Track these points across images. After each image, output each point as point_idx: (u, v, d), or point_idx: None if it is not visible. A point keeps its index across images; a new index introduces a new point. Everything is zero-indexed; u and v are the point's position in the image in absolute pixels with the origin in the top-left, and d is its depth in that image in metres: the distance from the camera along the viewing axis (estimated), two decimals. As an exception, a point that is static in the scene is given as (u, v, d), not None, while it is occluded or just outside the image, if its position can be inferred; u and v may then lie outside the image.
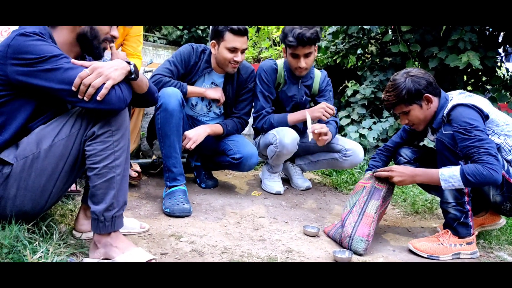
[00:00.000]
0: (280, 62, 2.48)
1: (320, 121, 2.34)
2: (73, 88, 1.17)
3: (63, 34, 1.33)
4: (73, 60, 1.21)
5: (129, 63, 1.28)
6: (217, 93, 2.24)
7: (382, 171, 1.79)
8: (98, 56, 1.41)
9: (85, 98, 1.18)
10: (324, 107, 2.30)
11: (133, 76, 1.28)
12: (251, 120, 2.52)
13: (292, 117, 2.39)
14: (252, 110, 2.45)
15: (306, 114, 2.26)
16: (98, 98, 1.18)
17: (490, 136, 1.66)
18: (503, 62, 3.66)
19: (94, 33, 1.35)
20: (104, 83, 1.18)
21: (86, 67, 1.19)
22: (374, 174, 1.82)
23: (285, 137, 2.26)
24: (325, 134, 2.21)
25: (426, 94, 1.72)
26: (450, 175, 1.61)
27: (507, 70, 3.60)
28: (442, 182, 1.63)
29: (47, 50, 1.19)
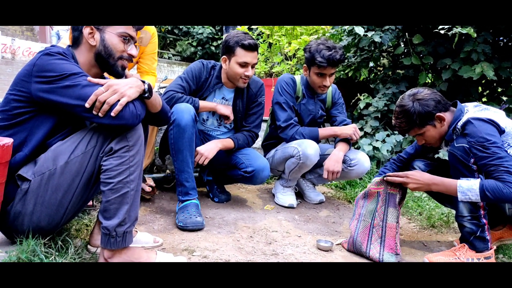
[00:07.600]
0: (298, 77, 2.52)
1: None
2: (87, 105, 1.20)
3: (83, 54, 1.39)
4: (89, 78, 1.25)
5: (143, 82, 1.31)
6: (227, 110, 2.27)
7: (396, 177, 1.76)
8: (116, 74, 1.44)
9: (99, 114, 1.21)
10: (356, 128, 2.41)
11: (147, 94, 1.31)
12: (261, 133, 2.53)
13: (323, 132, 2.45)
14: (278, 120, 2.45)
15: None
16: (112, 114, 1.21)
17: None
18: (519, 73, 3.59)
19: (109, 51, 1.39)
20: (118, 100, 1.22)
21: (102, 85, 1.23)
22: (385, 179, 1.78)
23: (307, 148, 2.29)
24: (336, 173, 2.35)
25: (438, 114, 1.71)
26: (468, 188, 1.58)
27: (523, 80, 3.53)
28: (459, 194, 1.60)
29: (68, 68, 1.24)
